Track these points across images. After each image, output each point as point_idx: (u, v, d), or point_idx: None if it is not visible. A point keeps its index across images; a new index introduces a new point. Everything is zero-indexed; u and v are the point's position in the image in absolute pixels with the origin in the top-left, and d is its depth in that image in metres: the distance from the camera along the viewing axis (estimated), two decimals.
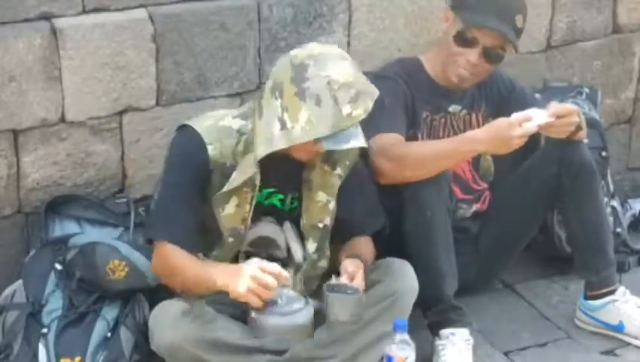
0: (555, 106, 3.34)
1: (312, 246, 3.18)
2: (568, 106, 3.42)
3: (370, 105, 2.90)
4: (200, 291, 3.06)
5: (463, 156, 3.44)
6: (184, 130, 3.10)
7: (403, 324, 3.01)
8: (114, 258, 3.17)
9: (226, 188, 3.02)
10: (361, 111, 2.88)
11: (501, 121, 3.29)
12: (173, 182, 3.09)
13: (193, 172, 3.05)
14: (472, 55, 3.46)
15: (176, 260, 3.04)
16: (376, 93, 2.94)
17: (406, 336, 3.02)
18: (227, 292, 2.98)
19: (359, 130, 2.93)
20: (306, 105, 2.87)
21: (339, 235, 3.24)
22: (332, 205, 3.16)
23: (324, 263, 3.22)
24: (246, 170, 3.01)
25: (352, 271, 3.04)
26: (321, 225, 3.17)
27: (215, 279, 2.98)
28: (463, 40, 3.47)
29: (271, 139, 2.91)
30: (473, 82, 3.57)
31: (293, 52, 2.97)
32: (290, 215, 3.19)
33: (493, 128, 3.29)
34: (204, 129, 3.06)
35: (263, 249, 3.15)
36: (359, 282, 3.02)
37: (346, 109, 2.86)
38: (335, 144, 2.90)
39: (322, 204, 3.15)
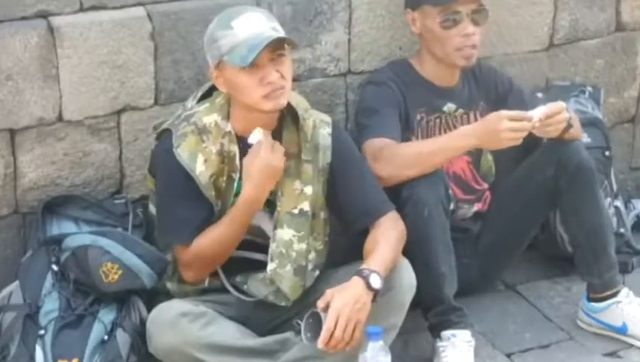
0: (545, 107, 3.33)
1: (287, 232, 3.15)
2: (557, 104, 3.39)
3: None
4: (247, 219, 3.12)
5: (456, 150, 3.41)
6: (162, 135, 3.18)
7: (377, 332, 2.96)
8: (106, 260, 3.14)
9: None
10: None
11: (491, 115, 3.31)
12: (165, 187, 3.15)
13: (180, 174, 3.09)
14: (466, 27, 3.45)
15: (203, 241, 3.10)
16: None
17: (381, 343, 2.96)
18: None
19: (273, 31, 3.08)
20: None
21: (355, 224, 3.23)
22: (309, 190, 3.17)
23: (309, 252, 3.20)
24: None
25: (326, 301, 2.98)
26: (296, 211, 3.16)
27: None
28: (449, 21, 3.46)
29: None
30: (477, 55, 3.53)
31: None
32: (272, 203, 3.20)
33: (484, 121, 3.32)
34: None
35: (249, 235, 3.17)
36: (331, 311, 2.94)
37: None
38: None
39: (298, 191, 3.17)
